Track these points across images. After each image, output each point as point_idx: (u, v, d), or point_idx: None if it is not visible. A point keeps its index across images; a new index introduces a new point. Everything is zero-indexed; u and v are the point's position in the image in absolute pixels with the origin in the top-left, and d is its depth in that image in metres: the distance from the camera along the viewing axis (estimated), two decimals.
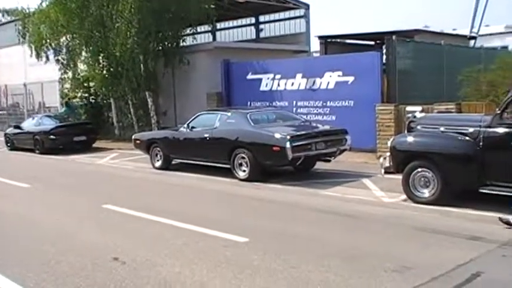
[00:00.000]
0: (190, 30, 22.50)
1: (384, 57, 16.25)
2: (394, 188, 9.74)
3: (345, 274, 5.68)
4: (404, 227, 7.71)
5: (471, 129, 8.52)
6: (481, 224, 7.57)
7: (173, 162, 14.07)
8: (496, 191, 8.19)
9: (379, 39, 23.78)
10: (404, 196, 9.17)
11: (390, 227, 7.76)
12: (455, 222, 7.79)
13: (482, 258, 6.13)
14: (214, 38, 31.00)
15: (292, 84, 17.18)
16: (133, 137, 15.60)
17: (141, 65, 20.34)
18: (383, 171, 9.79)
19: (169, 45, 21.04)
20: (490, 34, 36.14)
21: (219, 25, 30.48)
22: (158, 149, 14.17)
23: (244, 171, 11.85)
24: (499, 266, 5.89)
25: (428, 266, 5.85)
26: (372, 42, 27.35)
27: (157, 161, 14.21)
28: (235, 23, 31.41)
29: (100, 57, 21.65)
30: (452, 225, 7.60)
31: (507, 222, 7.31)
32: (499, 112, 8.35)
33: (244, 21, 30.99)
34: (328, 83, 16.15)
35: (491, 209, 8.19)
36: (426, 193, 8.84)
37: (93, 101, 24.44)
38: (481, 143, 8.32)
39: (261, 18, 30.06)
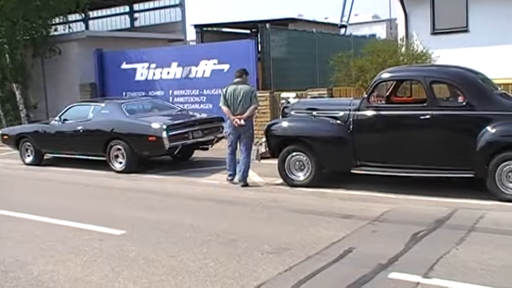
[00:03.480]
0: (62, 19, 21.47)
1: (259, 45, 16.51)
2: (270, 172, 9.92)
3: (223, 259, 5.69)
4: (281, 209, 7.89)
5: (341, 113, 8.84)
6: (353, 203, 7.95)
7: (45, 157, 13.44)
8: (366, 171, 8.61)
9: (255, 27, 24.13)
10: (280, 180, 9.38)
11: (267, 211, 7.91)
12: (329, 202, 8.10)
13: (354, 234, 6.41)
14: (87, 27, 29.89)
15: (168, 73, 17.04)
16: (0, 132, 14.72)
17: (7, 56, 19.15)
18: (259, 156, 9.91)
19: (38, 34, 19.94)
20: (359, 23, 37.90)
21: (91, 14, 29.38)
22: (28, 143, 13.43)
23: (120, 162, 11.58)
24: (369, 241, 6.18)
25: (304, 245, 6.02)
26: (248, 31, 27.71)
27: (28, 156, 13.49)
28: (108, 11, 30.47)
29: None
30: (326, 205, 7.89)
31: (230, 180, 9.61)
32: (366, 96, 8.76)
33: (118, 9, 30.12)
34: (204, 71, 16.20)
35: (362, 188, 8.64)
36: (301, 176, 9.09)
37: None
38: (351, 126, 8.67)
39: (136, 7, 29.34)
